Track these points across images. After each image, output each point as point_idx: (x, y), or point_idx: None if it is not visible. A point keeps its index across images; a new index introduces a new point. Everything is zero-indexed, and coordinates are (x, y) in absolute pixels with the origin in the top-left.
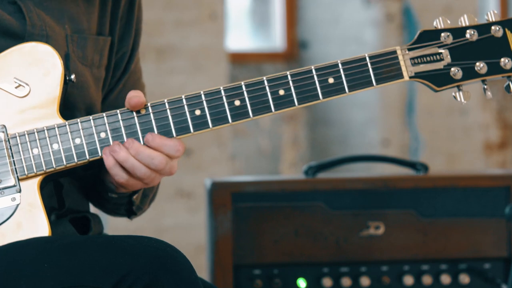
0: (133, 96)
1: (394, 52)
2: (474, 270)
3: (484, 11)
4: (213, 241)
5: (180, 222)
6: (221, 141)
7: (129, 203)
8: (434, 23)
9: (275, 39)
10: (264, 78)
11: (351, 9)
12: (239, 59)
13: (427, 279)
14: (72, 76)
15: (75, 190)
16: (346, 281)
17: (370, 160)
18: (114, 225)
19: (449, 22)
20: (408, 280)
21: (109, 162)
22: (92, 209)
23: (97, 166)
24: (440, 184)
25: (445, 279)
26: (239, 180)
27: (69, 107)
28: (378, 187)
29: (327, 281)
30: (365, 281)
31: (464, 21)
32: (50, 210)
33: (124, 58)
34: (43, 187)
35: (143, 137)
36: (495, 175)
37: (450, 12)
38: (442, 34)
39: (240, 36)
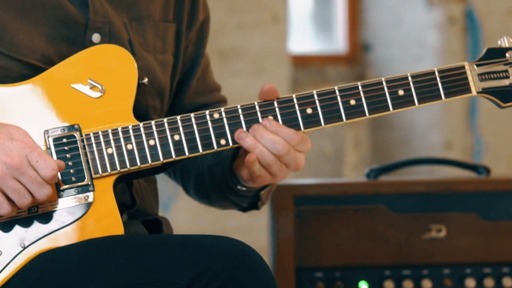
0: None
1: (463, 67)
2: None
3: None
4: (275, 244)
5: (242, 225)
6: None
7: (255, 197)
8: (499, 42)
9: (338, 41)
10: (336, 88)
11: (414, 12)
12: (302, 62)
13: (489, 282)
14: (145, 80)
15: (145, 191)
16: (408, 284)
17: (432, 163)
18: (176, 228)
19: None
20: (470, 283)
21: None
22: (161, 213)
23: (170, 169)
24: (503, 187)
25: (507, 282)
26: (301, 183)
27: (139, 91)
28: (440, 190)
29: (388, 284)
30: (427, 284)
31: None
32: (122, 206)
33: (194, 42)
34: (115, 187)
35: (216, 141)
36: None
37: None
38: (508, 53)
39: (303, 39)
